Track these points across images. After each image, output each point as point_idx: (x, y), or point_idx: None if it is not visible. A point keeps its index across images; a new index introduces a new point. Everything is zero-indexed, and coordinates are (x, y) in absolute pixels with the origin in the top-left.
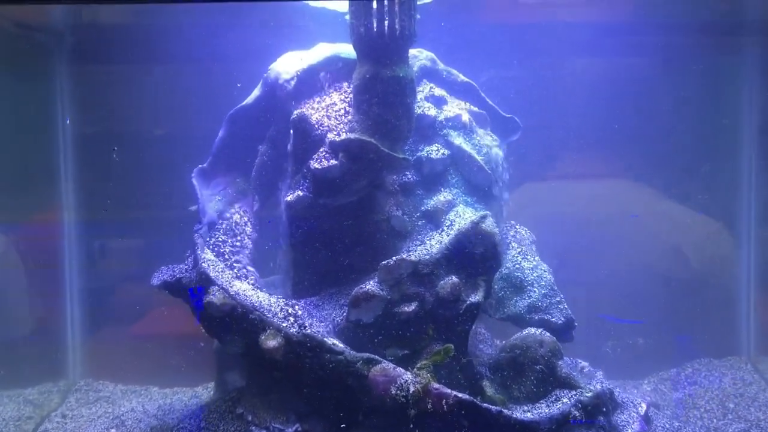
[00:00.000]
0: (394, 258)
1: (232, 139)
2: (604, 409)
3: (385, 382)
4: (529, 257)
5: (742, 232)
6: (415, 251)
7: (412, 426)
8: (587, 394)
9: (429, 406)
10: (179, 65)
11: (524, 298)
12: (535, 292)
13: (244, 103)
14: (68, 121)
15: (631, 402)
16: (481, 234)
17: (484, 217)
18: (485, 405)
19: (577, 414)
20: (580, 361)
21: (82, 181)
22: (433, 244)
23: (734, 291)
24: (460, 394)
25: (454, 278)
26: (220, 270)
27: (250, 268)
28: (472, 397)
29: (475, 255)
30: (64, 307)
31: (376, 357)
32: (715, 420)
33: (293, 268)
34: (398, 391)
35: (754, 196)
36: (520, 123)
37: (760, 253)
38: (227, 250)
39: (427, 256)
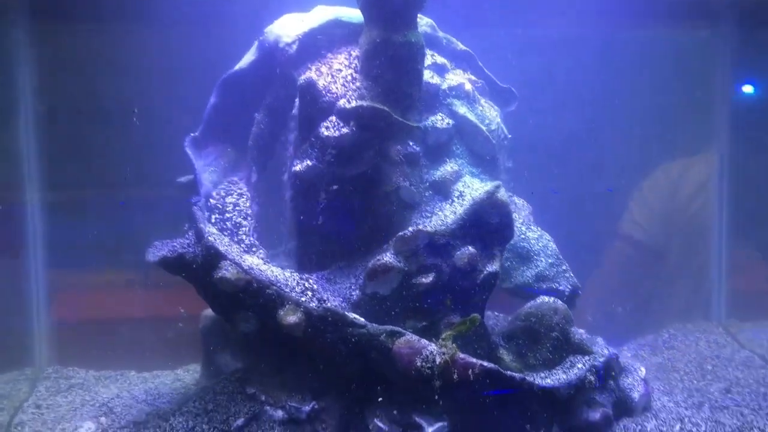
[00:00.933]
0: (410, 229)
1: (224, 107)
2: (613, 373)
3: (410, 354)
4: (533, 227)
5: (715, 200)
6: (430, 222)
7: (437, 397)
8: (600, 359)
9: (455, 376)
10: (160, 26)
11: (531, 268)
12: (541, 261)
13: (237, 67)
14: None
15: (631, 366)
16: (497, 204)
17: (498, 187)
18: (509, 373)
19: (592, 378)
20: (577, 329)
21: (47, 159)
22: (447, 215)
23: (706, 258)
24: (486, 363)
25: (471, 248)
26: (227, 244)
27: (255, 242)
28: (497, 366)
29: (490, 225)
30: (29, 292)
31: (400, 329)
32: (695, 381)
33: (300, 241)
34: (424, 363)
35: (726, 164)
36: (516, 93)
37: (732, 221)
38: (229, 224)
39: (443, 227)
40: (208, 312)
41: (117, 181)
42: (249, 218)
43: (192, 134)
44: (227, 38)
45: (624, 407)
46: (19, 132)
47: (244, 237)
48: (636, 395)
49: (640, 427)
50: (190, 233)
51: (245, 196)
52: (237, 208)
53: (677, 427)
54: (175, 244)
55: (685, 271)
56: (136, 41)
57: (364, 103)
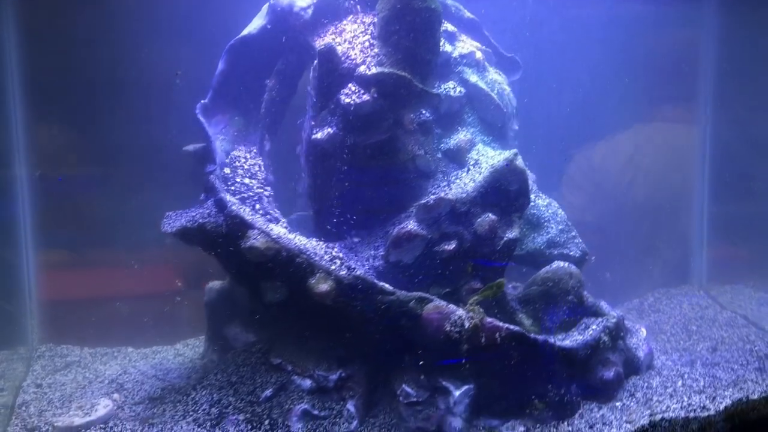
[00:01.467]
0: (432, 197)
1: (232, 73)
2: (622, 334)
3: (440, 320)
4: (541, 195)
5: (696, 167)
6: (450, 190)
7: (464, 360)
8: (612, 320)
9: (482, 340)
10: None
11: (542, 235)
12: (552, 228)
13: (245, 33)
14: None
15: (633, 328)
16: (516, 171)
17: (516, 155)
18: (533, 335)
19: (606, 339)
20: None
21: (36, 131)
22: (467, 183)
23: (689, 225)
24: (512, 327)
25: (491, 215)
26: (250, 214)
27: (275, 212)
28: (521, 329)
29: (509, 192)
30: (20, 270)
31: (428, 295)
32: (682, 342)
33: (318, 209)
34: (452, 328)
35: (709, 133)
36: (520, 62)
37: (713, 189)
38: (249, 194)
39: (464, 195)
40: (214, 285)
41: (114, 155)
42: (266, 187)
43: (202, 101)
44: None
45: (632, 366)
46: (9, 103)
47: (262, 205)
48: (641, 354)
49: (647, 384)
50: (208, 203)
51: (260, 165)
52: (254, 177)
53: (679, 383)
54: (193, 214)
55: (669, 238)
56: (133, 4)
57: (386, 70)
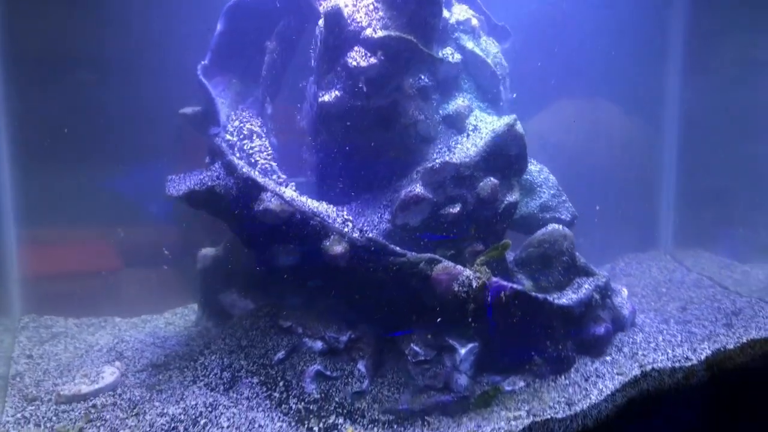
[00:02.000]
0: (438, 161)
1: (230, 35)
2: (609, 293)
3: (448, 280)
4: (533, 161)
5: (666, 135)
6: (454, 155)
7: (470, 320)
8: (602, 280)
9: (488, 299)
10: None
11: (535, 199)
12: (544, 192)
13: None
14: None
15: (616, 288)
16: (516, 136)
17: (516, 120)
18: (534, 294)
19: (597, 297)
20: None
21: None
22: (468, 147)
23: (656, 192)
24: (515, 286)
25: (493, 179)
26: (261, 176)
27: (282, 175)
28: (524, 288)
29: (510, 157)
30: (5, 242)
31: (438, 257)
32: (653, 303)
33: (323, 173)
34: (460, 288)
35: (678, 104)
36: (510, 31)
37: (681, 161)
38: (258, 158)
39: (467, 159)
40: (207, 252)
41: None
42: (270, 150)
43: (202, 62)
44: None
45: (618, 323)
46: None
47: (268, 168)
48: (626, 312)
49: (632, 339)
50: (215, 166)
51: (261, 129)
52: (258, 141)
53: (660, 338)
54: (201, 176)
55: (638, 205)
56: None
57: (392, 33)
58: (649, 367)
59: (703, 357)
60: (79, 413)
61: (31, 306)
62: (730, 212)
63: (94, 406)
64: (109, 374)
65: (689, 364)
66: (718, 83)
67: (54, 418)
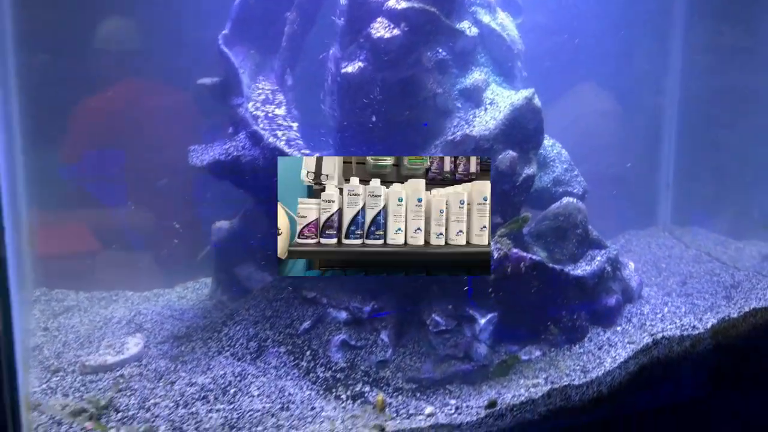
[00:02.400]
0: (459, 133)
1: (250, 4)
2: (619, 265)
3: None
4: (546, 135)
5: (666, 119)
6: (473, 128)
7: (490, 290)
8: (614, 252)
9: (508, 270)
10: None
11: (548, 173)
12: (557, 167)
13: None
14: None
15: (623, 261)
16: (534, 109)
17: (534, 93)
18: (551, 265)
19: (609, 269)
20: None
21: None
22: (487, 120)
23: (655, 170)
24: (534, 256)
25: (512, 152)
26: (287, 146)
27: (305, 147)
28: (542, 259)
29: (528, 130)
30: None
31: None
32: (653, 278)
33: (344, 144)
34: None
35: (679, 83)
36: (522, 7)
37: (680, 139)
38: (281, 130)
39: (487, 132)
40: (222, 224)
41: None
42: (291, 122)
43: (223, 32)
44: None
45: (627, 294)
46: None
47: (294, 140)
48: (634, 284)
49: (639, 311)
50: (240, 136)
51: (282, 100)
52: (279, 111)
53: (666, 309)
54: (226, 146)
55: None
56: None
57: (415, 5)
58: (659, 335)
59: (708, 326)
60: (108, 383)
61: (41, 279)
62: (726, 190)
63: (121, 376)
64: (134, 345)
65: (697, 332)
66: (718, 63)
67: (82, 389)
